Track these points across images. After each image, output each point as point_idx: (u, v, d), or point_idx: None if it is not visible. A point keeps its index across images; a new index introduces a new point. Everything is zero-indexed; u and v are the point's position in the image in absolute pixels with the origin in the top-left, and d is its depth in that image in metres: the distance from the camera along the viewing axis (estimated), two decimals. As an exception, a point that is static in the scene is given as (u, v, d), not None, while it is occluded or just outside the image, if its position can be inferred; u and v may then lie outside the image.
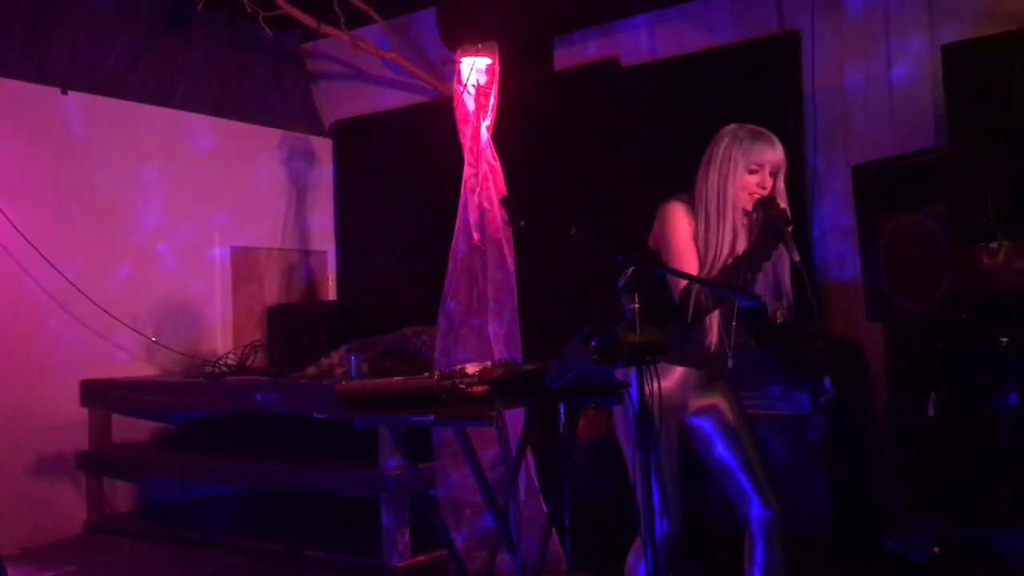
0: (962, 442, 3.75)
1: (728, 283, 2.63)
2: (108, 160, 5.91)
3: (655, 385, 2.29)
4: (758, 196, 2.75)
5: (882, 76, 4.93)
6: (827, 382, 2.87)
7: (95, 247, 5.78)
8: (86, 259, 5.69)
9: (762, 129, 2.79)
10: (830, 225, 5.07)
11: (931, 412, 3.73)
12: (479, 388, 2.22)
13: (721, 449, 2.86)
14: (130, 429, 5.87)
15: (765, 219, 2.73)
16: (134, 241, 6.02)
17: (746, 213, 2.77)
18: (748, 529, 2.88)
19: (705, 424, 2.88)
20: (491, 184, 4.33)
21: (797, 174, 5.04)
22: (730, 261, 2.71)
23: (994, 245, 3.75)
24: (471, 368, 2.33)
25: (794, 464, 4.18)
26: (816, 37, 5.00)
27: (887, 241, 4.05)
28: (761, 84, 5.21)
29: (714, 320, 2.77)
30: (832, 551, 4.08)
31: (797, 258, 2.68)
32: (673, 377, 2.77)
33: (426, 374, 2.41)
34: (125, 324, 5.79)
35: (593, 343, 2.26)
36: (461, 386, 2.20)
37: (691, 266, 2.73)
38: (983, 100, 4.12)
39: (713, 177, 2.76)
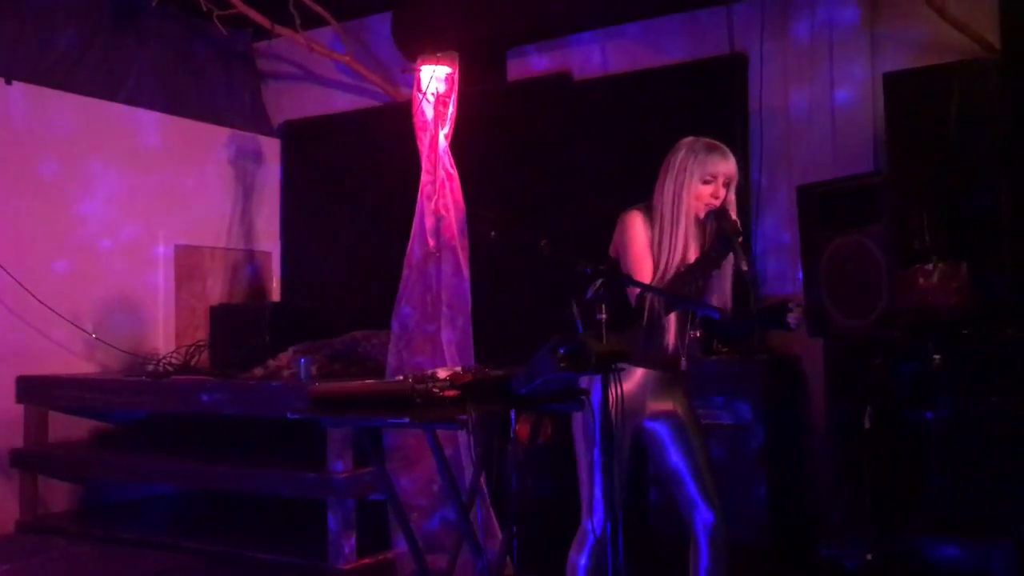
0: (896, 454, 3.93)
1: (683, 293, 2.74)
2: (52, 153, 5.80)
3: (618, 392, 2.38)
4: (711, 206, 2.87)
5: (825, 100, 5.13)
6: (789, 306, 2.97)
7: (36, 240, 5.67)
8: (27, 252, 5.57)
9: (717, 142, 2.93)
10: (772, 242, 5.24)
11: (867, 424, 3.88)
12: (451, 392, 2.28)
13: (674, 455, 2.96)
14: (67, 427, 5.75)
15: (716, 230, 2.87)
16: (77, 236, 5.92)
17: (699, 222, 2.90)
18: (693, 534, 2.99)
19: (661, 429, 2.97)
20: (448, 191, 4.38)
21: (742, 191, 5.19)
22: (682, 269, 2.83)
23: (929, 267, 3.94)
24: (442, 373, 2.39)
25: (734, 472, 4.32)
26: (764, 60, 5.17)
27: (828, 259, 4.21)
28: (710, 103, 5.36)
29: (672, 321, 2.91)
30: (770, 557, 4.22)
31: (745, 268, 2.81)
32: (633, 380, 2.85)
33: (400, 377, 2.45)
34: (65, 319, 5.69)
35: (561, 351, 2.34)
36: (435, 390, 2.26)
37: (646, 273, 2.85)
38: (922, 128, 4.34)
39: (669, 186, 2.89)
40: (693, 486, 2.97)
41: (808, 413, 4.59)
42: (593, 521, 2.90)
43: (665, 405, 2.97)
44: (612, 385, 2.36)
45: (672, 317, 2.90)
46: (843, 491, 4.10)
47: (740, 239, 2.83)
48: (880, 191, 4.14)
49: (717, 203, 2.88)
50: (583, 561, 2.98)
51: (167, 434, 5.92)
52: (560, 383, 2.45)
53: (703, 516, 2.97)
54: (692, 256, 2.86)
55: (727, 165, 2.89)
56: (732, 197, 2.94)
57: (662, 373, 2.95)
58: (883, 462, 3.91)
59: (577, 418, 2.91)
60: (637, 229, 2.90)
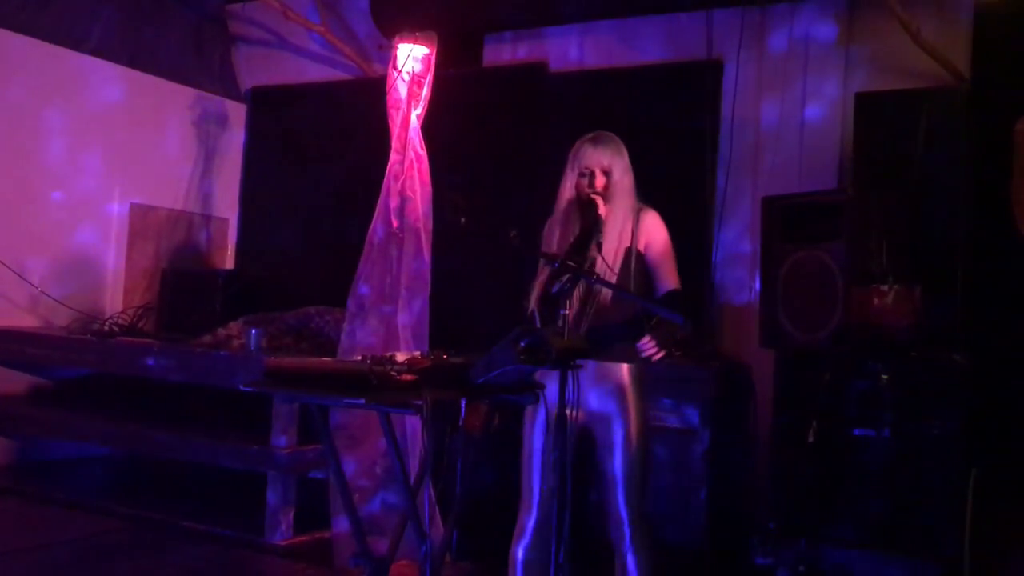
0: (836, 469, 3.98)
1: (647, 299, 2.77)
2: (9, 98, 5.64)
3: (575, 389, 2.38)
4: (586, 197, 3.02)
5: (796, 114, 5.17)
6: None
7: (-15, 187, 5.53)
8: (-27, 198, 5.43)
9: (600, 134, 3.11)
10: (732, 250, 5.27)
11: (811, 438, 3.93)
12: (408, 377, 2.26)
13: (612, 461, 2.97)
14: (5, 381, 5.61)
15: (582, 222, 2.96)
16: (29, 185, 5.77)
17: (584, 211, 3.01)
18: (619, 540, 3.01)
19: (602, 432, 2.99)
20: (416, 172, 4.34)
21: (708, 198, 5.25)
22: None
23: (885, 287, 3.99)
24: (400, 356, 2.36)
25: (677, 475, 4.35)
26: (740, 69, 5.19)
27: (787, 272, 4.25)
28: (683, 106, 5.37)
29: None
30: (706, 561, 4.26)
31: (596, 253, 2.87)
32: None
33: (358, 358, 2.42)
34: (10, 269, 5.54)
35: (522, 344, 2.32)
36: (392, 373, 2.23)
37: None
38: (888, 149, 4.39)
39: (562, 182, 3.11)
40: (623, 495, 2.98)
41: (754, 422, 4.62)
42: (532, 516, 2.93)
43: (611, 407, 2.98)
44: (569, 381, 2.34)
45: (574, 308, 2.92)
46: (782, 501, 4.15)
47: (601, 227, 2.90)
48: (843, 209, 4.18)
49: (590, 192, 3.02)
50: (521, 554, 3.00)
51: (108, 395, 5.80)
52: (518, 375, 2.44)
53: (628, 526, 2.99)
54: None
55: (598, 154, 3.04)
56: (619, 179, 3.06)
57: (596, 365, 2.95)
58: (823, 476, 3.97)
59: (528, 411, 2.92)
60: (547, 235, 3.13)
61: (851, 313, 3.97)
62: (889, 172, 4.38)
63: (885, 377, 3.93)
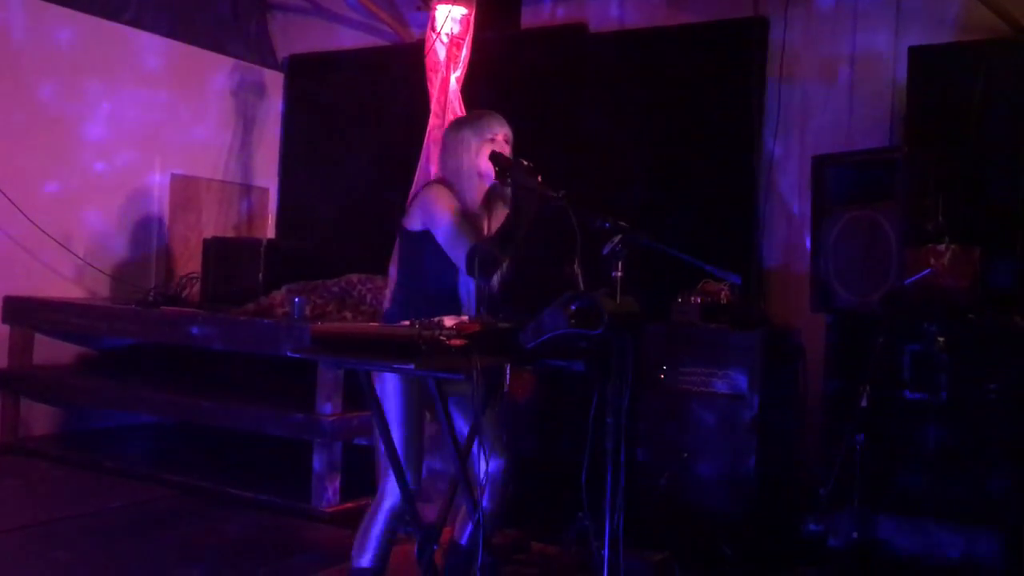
0: (890, 434, 3.88)
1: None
2: (51, 70, 5.66)
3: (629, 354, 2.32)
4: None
5: (846, 71, 5.03)
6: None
7: (29, 159, 5.54)
8: (19, 171, 5.45)
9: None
10: (781, 211, 5.16)
11: (863, 403, 3.83)
12: (458, 341, 2.21)
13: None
14: (53, 350, 5.68)
15: (500, 172, 2.87)
16: (72, 157, 5.79)
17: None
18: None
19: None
20: (456, 137, 4.26)
21: (755, 159, 5.12)
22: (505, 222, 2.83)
23: (941, 247, 3.86)
24: (448, 321, 2.32)
25: (725, 442, 4.28)
26: (787, 26, 5.04)
27: (839, 234, 4.13)
28: (727, 65, 5.24)
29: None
30: (755, 528, 4.20)
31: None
32: None
33: (405, 323, 2.37)
34: (56, 241, 5.58)
35: (573, 307, 2.26)
36: (441, 338, 2.18)
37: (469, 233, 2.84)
38: (944, 105, 4.24)
39: (453, 161, 2.96)
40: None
41: (804, 387, 4.53)
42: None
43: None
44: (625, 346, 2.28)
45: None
46: (833, 468, 4.06)
47: (526, 163, 2.83)
48: (897, 167, 4.05)
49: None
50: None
51: (153, 364, 5.85)
52: (572, 339, 2.38)
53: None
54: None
55: (504, 125, 3.02)
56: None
57: None
58: (876, 442, 3.87)
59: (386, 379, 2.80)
60: (449, 197, 2.88)
61: (906, 275, 3.86)
62: (945, 128, 4.23)
63: (941, 340, 3.81)
